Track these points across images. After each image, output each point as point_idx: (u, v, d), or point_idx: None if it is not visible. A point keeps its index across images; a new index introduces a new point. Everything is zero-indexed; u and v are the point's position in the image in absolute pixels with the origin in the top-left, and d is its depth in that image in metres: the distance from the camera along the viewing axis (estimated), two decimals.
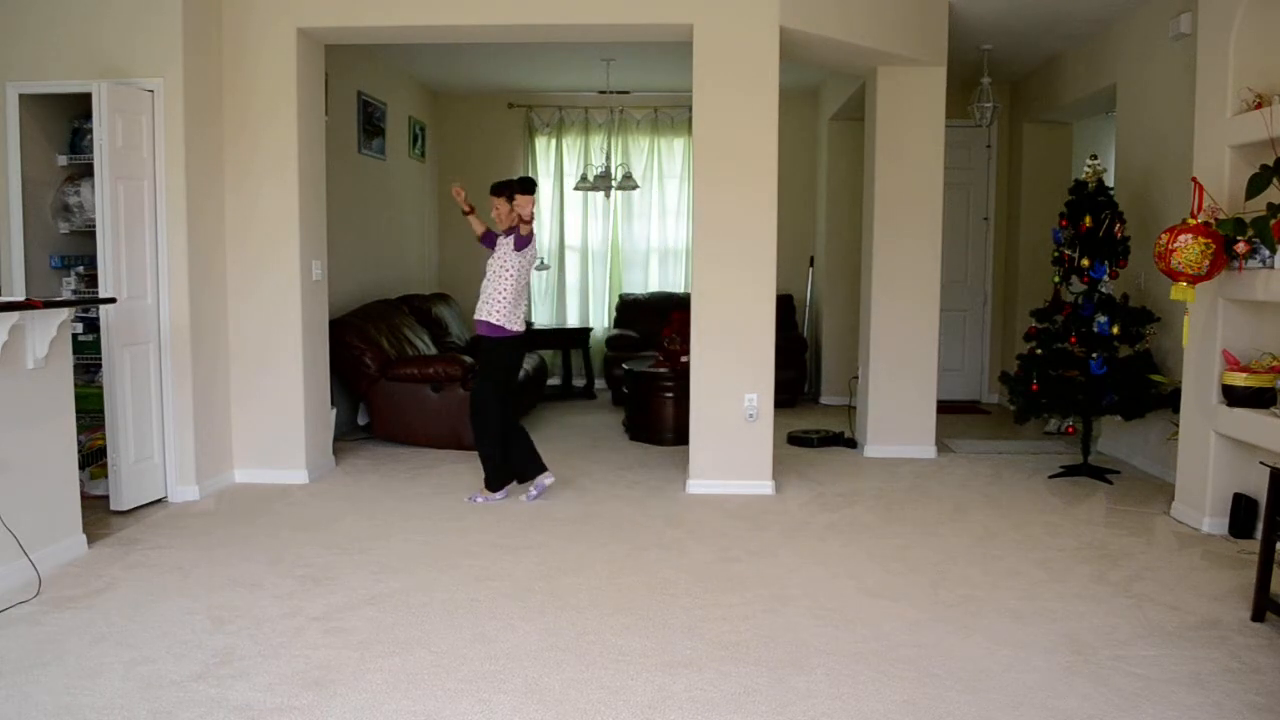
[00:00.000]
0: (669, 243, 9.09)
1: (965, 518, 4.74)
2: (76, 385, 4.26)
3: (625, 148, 8.94)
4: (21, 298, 4.01)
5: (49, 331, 3.73)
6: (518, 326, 4.91)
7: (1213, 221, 4.22)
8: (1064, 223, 5.53)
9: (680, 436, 6.16)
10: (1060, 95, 7.02)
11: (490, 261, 4.94)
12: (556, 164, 9.04)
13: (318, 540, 4.28)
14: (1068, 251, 5.52)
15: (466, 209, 5.13)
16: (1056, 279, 5.63)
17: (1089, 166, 5.50)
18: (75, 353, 4.37)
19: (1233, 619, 3.42)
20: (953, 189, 7.50)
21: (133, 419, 4.67)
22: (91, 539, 4.14)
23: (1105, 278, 5.38)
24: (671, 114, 8.87)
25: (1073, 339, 5.41)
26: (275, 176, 5.18)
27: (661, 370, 6.64)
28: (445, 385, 6.18)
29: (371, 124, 7.27)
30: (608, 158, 8.77)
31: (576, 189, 8.59)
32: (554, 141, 9.03)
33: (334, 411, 5.88)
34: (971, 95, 6.78)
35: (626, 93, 8.68)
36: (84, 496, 4.23)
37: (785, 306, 8.40)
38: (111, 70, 4.73)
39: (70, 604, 3.47)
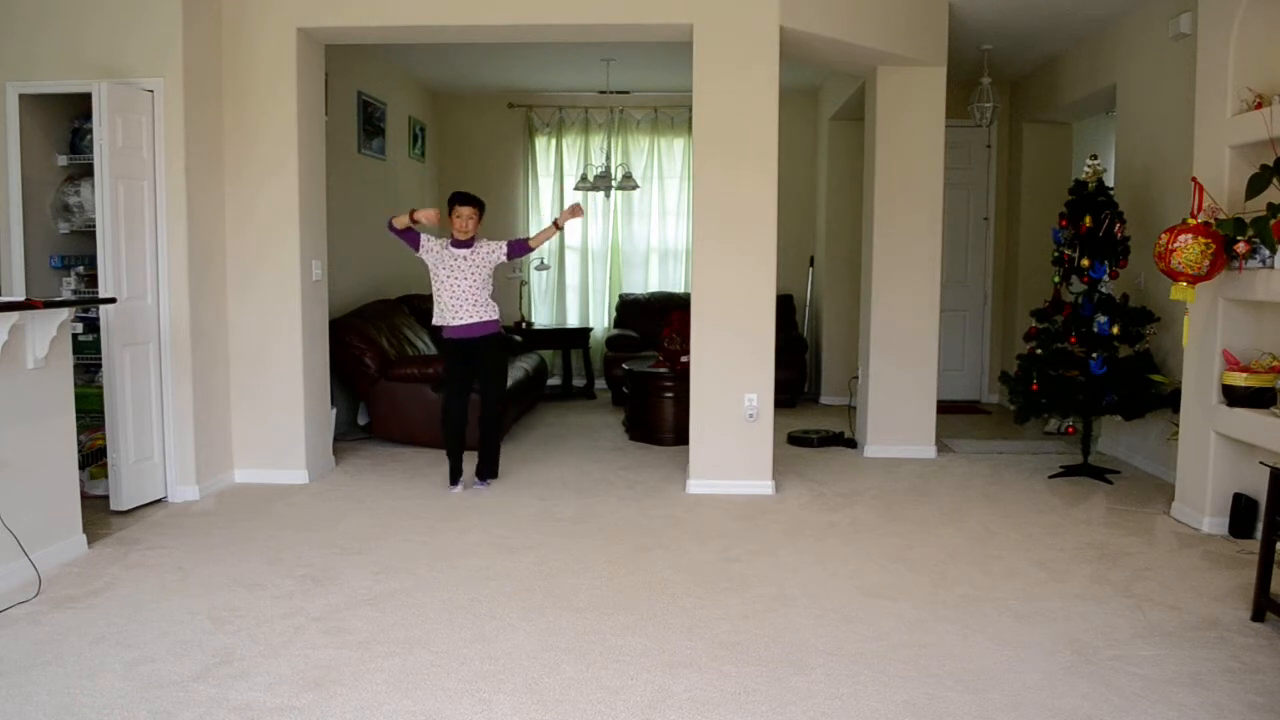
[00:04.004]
0: (669, 243, 9.09)
1: (965, 518, 4.74)
2: (76, 385, 4.26)
3: (625, 148, 8.94)
4: (21, 298, 4.01)
5: (49, 331, 3.73)
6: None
7: (1213, 221, 4.22)
8: (1064, 223, 5.53)
9: (680, 436, 6.16)
10: (1060, 95, 7.01)
11: (461, 269, 5.03)
12: (556, 164, 9.03)
13: (318, 540, 4.28)
14: (1068, 251, 5.52)
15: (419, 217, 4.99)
16: (1056, 279, 5.63)
17: (1089, 166, 5.50)
18: (75, 353, 4.37)
19: (1233, 619, 3.42)
20: (953, 189, 7.51)
21: (133, 419, 4.67)
22: (91, 539, 4.15)
23: (1105, 278, 5.38)
24: (671, 114, 8.86)
25: (1073, 339, 5.41)
26: (275, 176, 5.18)
27: (661, 370, 6.64)
28: None
29: (371, 124, 7.27)
30: (608, 158, 8.77)
31: (576, 189, 8.58)
32: (554, 141, 9.02)
33: (334, 411, 5.89)
34: (971, 95, 6.78)
35: (626, 93, 8.68)
36: (84, 496, 4.23)
37: (785, 306, 8.40)
38: (111, 70, 4.72)
39: (70, 604, 3.47)
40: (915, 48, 5.79)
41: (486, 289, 5.12)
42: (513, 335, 8.32)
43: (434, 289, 5.10)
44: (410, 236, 5.03)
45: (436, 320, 5.12)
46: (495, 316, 5.16)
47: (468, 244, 5.06)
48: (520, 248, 5.18)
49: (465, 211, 5.03)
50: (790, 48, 5.38)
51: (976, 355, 8.35)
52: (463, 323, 5.04)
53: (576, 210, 5.17)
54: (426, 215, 4.95)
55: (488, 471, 5.34)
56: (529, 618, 3.39)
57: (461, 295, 5.03)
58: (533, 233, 8.47)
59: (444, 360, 5.26)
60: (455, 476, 5.20)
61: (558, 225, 5.18)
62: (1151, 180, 5.68)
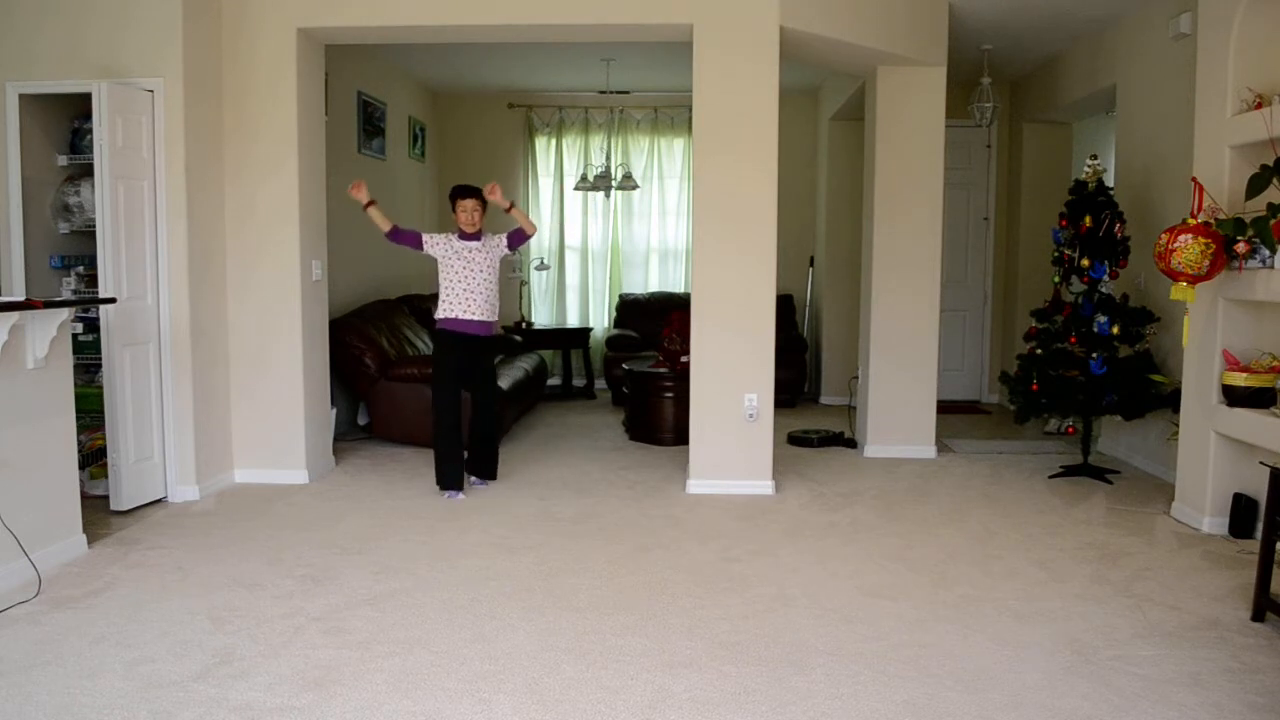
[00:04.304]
0: (669, 243, 9.09)
1: (965, 518, 4.74)
2: (76, 385, 4.26)
3: (625, 148, 8.94)
4: (21, 298, 4.01)
5: (49, 331, 3.73)
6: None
7: (1213, 221, 4.22)
8: (1064, 223, 5.53)
9: (680, 436, 6.16)
10: (1060, 95, 7.01)
11: (474, 260, 4.99)
12: (556, 164, 9.03)
13: (318, 540, 4.28)
14: (1068, 251, 5.52)
15: (366, 200, 4.96)
16: (1056, 279, 5.63)
17: (1089, 166, 5.50)
18: (75, 353, 4.36)
19: (1233, 619, 3.42)
20: (953, 189, 7.51)
21: (133, 419, 4.67)
22: (91, 539, 4.14)
23: (1105, 278, 5.38)
24: (671, 114, 8.87)
25: (1073, 339, 5.41)
26: (275, 176, 5.18)
27: (661, 370, 6.64)
28: None
29: (371, 124, 7.27)
30: (608, 158, 8.77)
31: (576, 189, 8.59)
32: (554, 141, 9.03)
33: (334, 411, 5.89)
34: (971, 95, 6.78)
35: (626, 93, 8.68)
36: (84, 496, 4.23)
37: (785, 306, 8.40)
38: (111, 70, 4.73)
39: (70, 604, 3.47)
40: (915, 48, 5.79)
41: (497, 284, 5.11)
42: (513, 335, 8.33)
43: (445, 283, 5.02)
44: (407, 238, 5.02)
45: (443, 313, 5.00)
46: (497, 318, 5.15)
47: (477, 236, 5.03)
48: (518, 236, 5.12)
49: (469, 204, 5.00)
50: (790, 48, 5.38)
51: (976, 355, 8.35)
52: (473, 318, 4.98)
53: (492, 189, 5.04)
54: (357, 194, 4.94)
55: (488, 472, 5.31)
56: (529, 618, 3.39)
57: (477, 289, 4.99)
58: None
59: (439, 357, 5.10)
60: (457, 481, 5.08)
61: (507, 210, 5.02)
62: (1151, 180, 5.68)
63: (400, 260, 8.03)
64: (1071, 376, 5.40)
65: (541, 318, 9.16)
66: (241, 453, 5.33)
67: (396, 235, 5.01)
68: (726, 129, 5.12)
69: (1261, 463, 3.91)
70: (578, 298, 9.19)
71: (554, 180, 9.06)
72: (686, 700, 2.78)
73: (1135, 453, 5.94)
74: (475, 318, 5.00)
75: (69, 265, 5.01)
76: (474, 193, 5.05)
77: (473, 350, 5.07)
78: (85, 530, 4.10)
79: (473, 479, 5.27)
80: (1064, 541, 4.35)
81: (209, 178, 5.06)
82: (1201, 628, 3.34)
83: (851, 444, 6.46)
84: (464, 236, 5.03)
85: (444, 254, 5.01)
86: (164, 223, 4.82)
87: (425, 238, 5.04)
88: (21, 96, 4.76)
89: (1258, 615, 3.39)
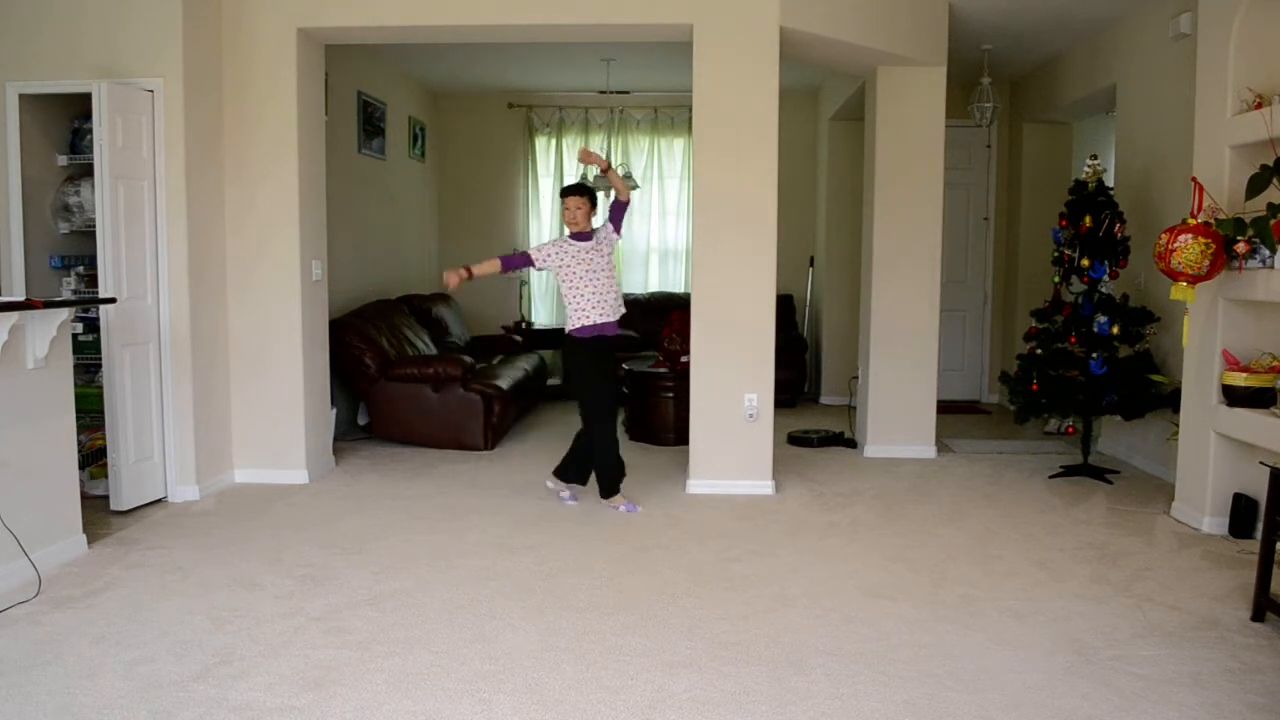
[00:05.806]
0: (669, 243, 9.09)
1: (965, 518, 4.74)
2: (76, 385, 4.26)
3: (625, 148, 8.94)
4: (21, 298, 4.01)
5: (49, 331, 3.73)
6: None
7: (1213, 221, 4.22)
8: (1064, 223, 5.53)
9: (680, 436, 6.16)
10: (1060, 95, 7.01)
11: (595, 262, 4.77)
12: (556, 164, 9.03)
13: (318, 540, 4.28)
14: (1068, 251, 5.52)
15: (464, 278, 4.72)
16: (1056, 279, 5.63)
17: (1089, 166, 5.50)
18: (75, 353, 4.36)
19: (1233, 619, 3.42)
20: (953, 189, 7.51)
21: (133, 419, 4.67)
22: (91, 539, 4.14)
23: (1105, 278, 5.39)
24: (671, 114, 8.86)
25: (1073, 339, 5.41)
26: (275, 176, 5.18)
27: (661, 370, 6.64)
28: (445, 385, 6.18)
29: (371, 124, 7.27)
30: (608, 158, 8.77)
31: None
32: (554, 141, 9.02)
33: (334, 411, 5.89)
34: (971, 95, 6.78)
35: (626, 93, 8.68)
36: (84, 496, 4.24)
37: (785, 306, 8.40)
38: (111, 70, 4.73)
39: (70, 604, 3.47)
40: (915, 48, 5.79)
41: (616, 278, 4.87)
42: (513, 335, 8.33)
43: (571, 291, 4.76)
44: (516, 262, 4.88)
45: (579, 322, 4.73)
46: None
47: (588, 236, 4.79)
48: (619, 211, 4.86)
49: (572, 203, 4.78)
50: (790, 48, 5.38)
51: (976, 355, 8.35)
52: (607, 320, 4.75)
53: (585, 155, 4.89)
54: (454, 282, 4.70)
55: (578, 478, 5.01)
56: (529, 618, 3.39)
57: (604, 290, 4.74)
58: (535, 239, 8.51)
59: (583, 364, 4.80)
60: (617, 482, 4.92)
61: (604, 172, 4.82)
62: (1151, 180, 5.68)
63: (400, 260, 8.04)
64: (1071, 376, 5.40)
65: (541, 318, 9.15)
66: (241, 453, 5.32)
67: (507, 265, 4.89)
68: (726, 129, 5.12)
69: (1261, 463, 3.91)
70: None
71: (554, 180, 9.05)
72: (686, 700, 2.78)
73: (1135, 453, 5.94)
74: (610, 319, 4.78)
75: (69, 265, 5.01)
76: (577, 190, 4.81)
77: (607, 352, 4.86)
78: (85, 530, 4.10)
79: (563, 488, 5.01)
80: (1064, 541, 4.35)
81: (209, 177, 5.06)
82: (1201, 628, 3.34)
83: (851, 444, 6.46)
84: (576, 237, 4.79)
85: (561, 263, 4.76)
86: (164, 223, 4.82)
87: (534, 254, 4.81)
88: (21, 96, 4.76)
89: (1258, 615, 3.39)
